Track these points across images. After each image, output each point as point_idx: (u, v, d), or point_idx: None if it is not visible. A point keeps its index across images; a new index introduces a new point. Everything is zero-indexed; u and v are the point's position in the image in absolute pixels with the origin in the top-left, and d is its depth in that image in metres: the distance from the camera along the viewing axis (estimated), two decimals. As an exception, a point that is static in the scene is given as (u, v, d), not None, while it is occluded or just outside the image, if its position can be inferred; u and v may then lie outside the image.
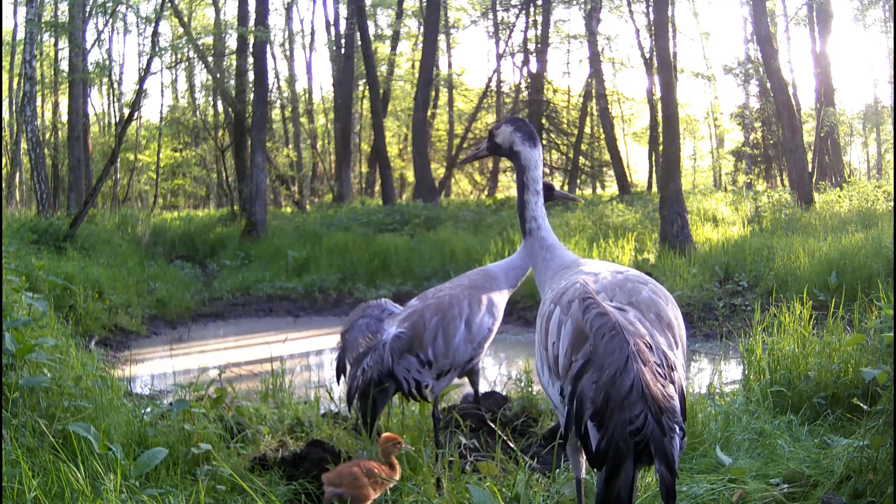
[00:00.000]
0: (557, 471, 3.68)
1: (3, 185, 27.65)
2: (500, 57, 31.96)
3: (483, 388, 6.71)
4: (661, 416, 1.87)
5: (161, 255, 15.95)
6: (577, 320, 2.12)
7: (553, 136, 28.16)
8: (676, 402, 1.95)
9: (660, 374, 1.96)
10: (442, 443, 4.00)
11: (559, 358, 2.16)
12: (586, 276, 2.40)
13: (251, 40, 18.51)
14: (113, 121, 35.38)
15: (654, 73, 23.83)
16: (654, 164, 28.57)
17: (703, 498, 3.10)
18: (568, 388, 2.05)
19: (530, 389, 5.03)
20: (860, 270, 8.89)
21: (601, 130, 28.82)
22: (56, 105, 32.46)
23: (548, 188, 3.84)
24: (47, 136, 30.05)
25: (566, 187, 30.51)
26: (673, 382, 2.00)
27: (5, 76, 28.84)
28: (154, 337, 10.13)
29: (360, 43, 24.02)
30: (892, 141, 36.66)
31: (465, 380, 7.87)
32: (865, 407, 3.58)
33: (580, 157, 29.60)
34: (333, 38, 29.66)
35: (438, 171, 32.15)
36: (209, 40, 26.51)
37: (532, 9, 28.95)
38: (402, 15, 33.11)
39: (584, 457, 2.33)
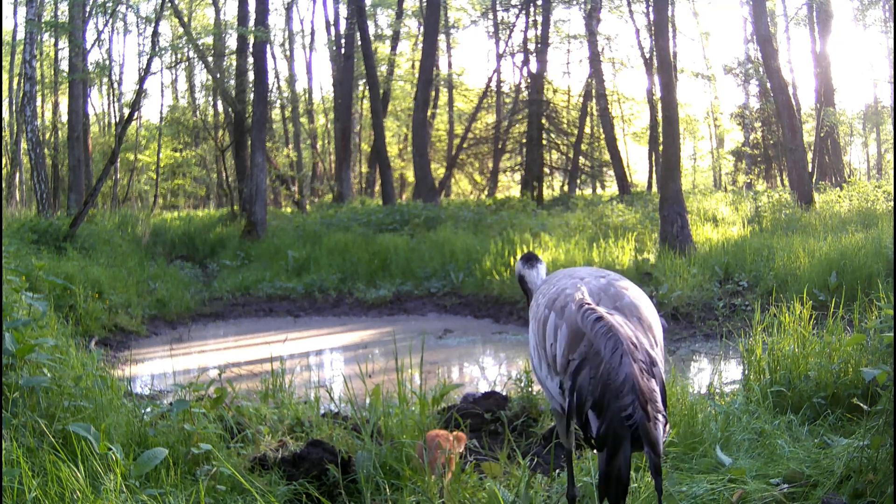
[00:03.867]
0: (557, 471, 3.68)
1: (3, 185, 27.64)
2: (500, 57, 31.96)
3: (483, 388, 6.71)
4: (646, 405, 2.16)
5: (161, 255, 15.95)
6: (572, 323, 2.42)
7: (553, 136, 28.11)
8: (658, 395, 2.25)
9: (645, 370, 2.25)
10: None
11: (557, 357, 2.44)
12: (574, 280, 2.67)
13: (251, 40, 18.51)
14: (113, 121, 35.37)
15: (654, 73, 23.82)
16: (654, 164, 28.56)
17: (703, 498, 3.10)
18: (568, 383, 2.36)
19: (530, 389, 5.02)
20: (860, 270, 8.88)
21: (601, 130, 28.80)
22: (56, 105, 32.44)
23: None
24: (47, 136, 30.04)
25: (566, 187, 30.49)
26: (654, 377, 2.29)
27: (5, 76, 28.83)
28: (154, 337, 10.12)
29: (360, 43, 24.01)
30: (892, 141, 36.65)
31: (466, 379, 7.88)
32: (865, 407, 3.58)
33: (580, 157, 29.58)
34: (333, 38, 29.65)
35: (438, 171, 32.14)
36: (209, 40, 26.53)
37: (532, 9, 28.93)
38: (402, 15, 33.09)
39: (571, 431, 2.79)
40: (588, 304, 2.41)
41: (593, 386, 2.24)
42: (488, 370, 8.17)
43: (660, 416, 2.20)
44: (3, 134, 27.68)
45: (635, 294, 2.60)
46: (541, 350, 2.57)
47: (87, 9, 21.01)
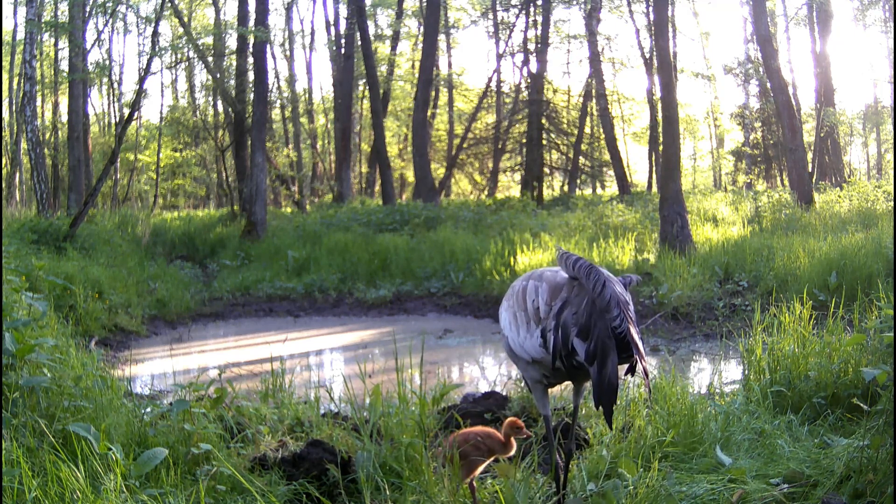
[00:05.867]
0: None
1: (3, 185, 27.64)
2: (500, 57, 31.95)
3: (483, 388, 6.71)
4: (630, 323, 2.51)
5: (161, 255, 15.94)
6: (550, 280, 2.82)
7: (553, 136, 28.12)
8: (635, 332, 2.56)
9: (622, 294, 2.63)
10: None
11: (540, 307, 2.78)
12: (539, 272, 3.02)
13: (251, 40, 18.51)
14: (113, 121, 35.37)
15: (654, 73, 23.83)
16: (654, 164, 28.56)
17: (703, 498, 3.10)
18: (552, 323, 2.68)
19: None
20: (860, 270, 8.88)
21: (601, 130, 28.80)
22: (56, 105, 32.44)
23: None
24: (47, 136, 30.05)
25: (566, 187, 30.50)
26: (629, 308, 2.65)
27: (5, 76, 28.83)
28: (154, 337, 10.12)
29: (360, 43, 24.01)
30: (892, 141, 36.65)
31: (466, 379, 7.87)
32: (865, 407, 3.58)
33: (580, 157, 29.58)
34: (333, 38, 29.65)
35: (438, 171, 32.13)
36: (209, 40, 26.54)
37: (532, 9, 28.93)
38: (402, 15, 33.09)
39: (546, 398, 3.06)
40: (566, 252, 2.82)
41: (577, 318, 2.59)
42: (488, 370, 8.16)
43: (640, 344, 2.54)
44: (3, 134, 27.68)
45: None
46: (520, 314, 2.87)
47: (87, 9, 21.02)
